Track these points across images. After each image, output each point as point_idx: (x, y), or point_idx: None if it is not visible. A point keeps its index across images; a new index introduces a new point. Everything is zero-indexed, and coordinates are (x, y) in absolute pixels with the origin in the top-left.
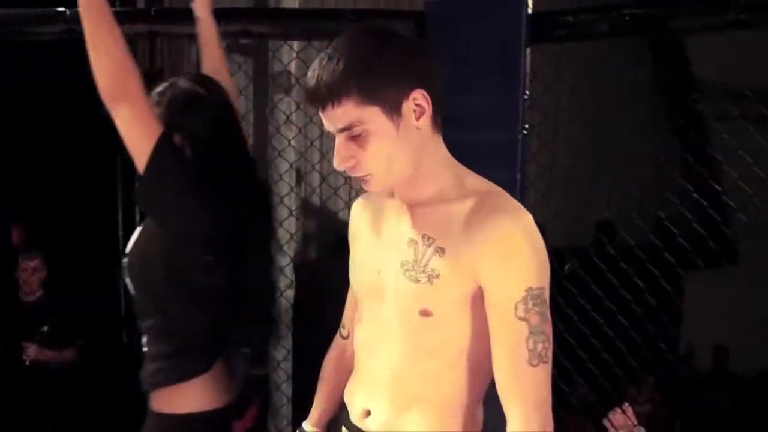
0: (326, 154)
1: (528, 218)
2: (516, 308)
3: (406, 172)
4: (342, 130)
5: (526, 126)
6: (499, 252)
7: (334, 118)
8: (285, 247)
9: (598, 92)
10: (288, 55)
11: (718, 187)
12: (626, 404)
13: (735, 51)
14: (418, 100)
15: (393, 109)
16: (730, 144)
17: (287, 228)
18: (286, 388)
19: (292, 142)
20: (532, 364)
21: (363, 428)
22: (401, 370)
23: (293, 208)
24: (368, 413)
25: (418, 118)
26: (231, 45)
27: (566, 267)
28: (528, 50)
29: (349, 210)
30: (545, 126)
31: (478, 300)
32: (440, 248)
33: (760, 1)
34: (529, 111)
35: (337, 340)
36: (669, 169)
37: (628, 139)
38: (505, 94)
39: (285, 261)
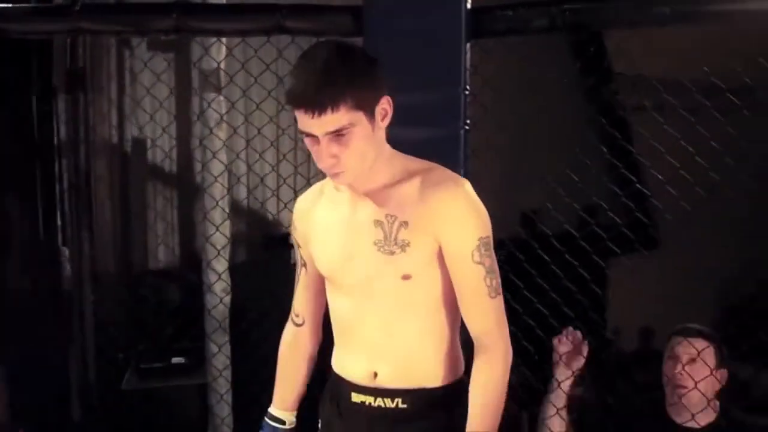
0: (263, 155)
1: (467, 183)
2: (472, 255)
3: (371, 164)
4: (331, 133)
5: (468, 122)
6: (451, 214)
7: (328, 122)
8: (222, 252)
9: (523, 86)
10: (217, 51)
11: (632, 177)
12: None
13: (652, 43)
14: (385, 105)
15: (371, 113)
16: (646, 134)
17: (223, 232)
18: (228, 397)
19: (219, 141)
20: (491, 297)
21: (373, 386)
22: (397, 328)
23: (228, 210)
24: (375, 374)
25: (383, 120)
26: (155, 41)
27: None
28: (468, 45)
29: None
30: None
31: (441, 256)
32: (404, 222)
33: None
34: (470, 107)
35: (290, 328)
36: (587, 160)
37: (557, 131)
38: (446, 90)
39: (222, 266)
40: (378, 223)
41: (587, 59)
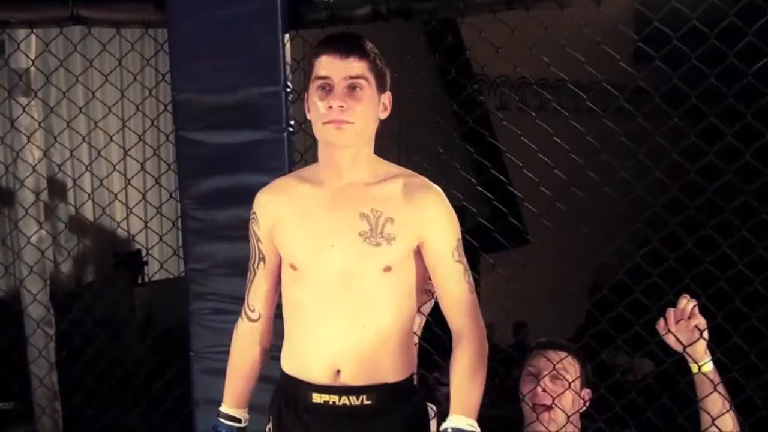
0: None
1: (441, 191)
2: (453, 254)
3: (365, 141)
4: (350, 78)
5: (292, 122)
6: (436, 216)
7: (351, 67)
8: (35, 270)
9: None
10: (27, 47)
11: (501, 176)
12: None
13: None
14: (387, 99)
15: (379, 92)
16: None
17: (38, 245)
18: None
19: (38, 151)
20: (471, 292)
21: (336, 385)
22: (368, 321)
23: (42, 220)
24: (338, 372)
25: (382, 111)
26: None
27: None
28: (287, 37)
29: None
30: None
31: (416, 252)
32: (390, 218)
33: None
34: (294, 106)
35: (245, 324)
36: (448, 157)
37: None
38: (264, 88)
39: (36, 287)
40: (363, 216)
41: (445, 59)
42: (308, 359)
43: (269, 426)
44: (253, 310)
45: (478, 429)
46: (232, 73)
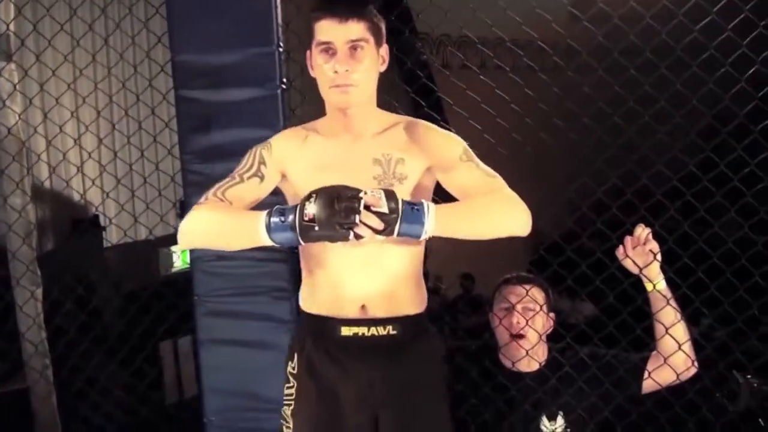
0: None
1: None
2: (461, 158)
3: (370, 96)
4: (351, 41)
5: (285, 80)
6: (438, 141)
7: (352, 30)
8: (27, 241)
9: None
10: (5, 12)
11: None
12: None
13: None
14: (385, 52)
15: (378, 48)
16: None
17: (27, 217)
18: (52, 399)
19: (21, 116)
20: (491, 176)
21: (364, 317)
22: (387, 258)
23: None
24: (363, 306)
25: (381, 64)
26: None
27: None
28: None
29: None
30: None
31: (426, 187)
32: (400, 159)
33: None
34: (286, 64)
35: (212, 202)
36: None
37: None
38: (259, 48)
39: (28, 255)
40: (376, 161)
41: (393, 17)
42: (333, 298)
43: (292, 364)
44: (225, 201)
45: (400, 207)
46: (228, 34)
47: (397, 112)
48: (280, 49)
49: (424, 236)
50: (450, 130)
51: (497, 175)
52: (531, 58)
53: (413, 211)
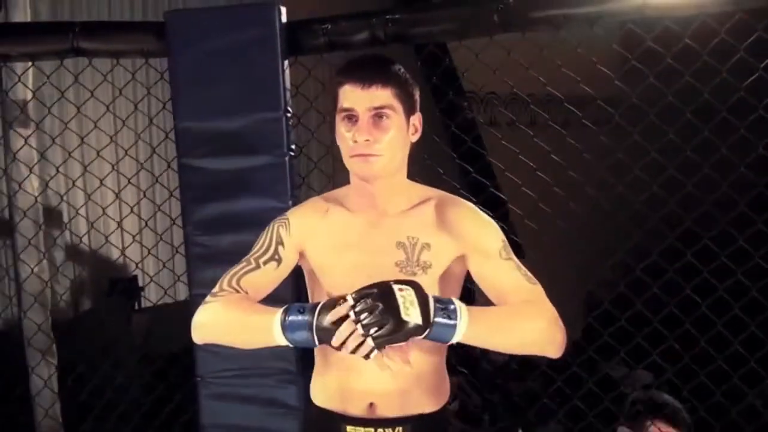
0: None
1: (472, 204)
2: (500, 254)
3: (397, 168)
4: (374, 109)
5: (293, 147)
6: (474, 225)
7: (375, 97)
8: (37, 300)
9: None
10: (24, 78)
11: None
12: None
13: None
14: (417, 120)
15: (407, 116)
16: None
17: (40, 275)
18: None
19: (36, 178)
20: (531, 283)
21: (371, 417)
22: (406, 352)
23: (44, 250)
24: (371, 405)
25: (413, 134)
26: None
27: None
28: (286, 63)
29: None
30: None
31: (454, 276)
32: (426, 244)
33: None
34: (295, 131)
35: (228, 295)
36: (448, 177)
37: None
38: (265, 114)
39: (39, 317)
40: (400, 244)
41: (437, 77)
42: (341, 392)
43: None
44: (240, 291)
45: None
46: (232, 100)
47: (443, 179)
48: (288, 114)
49: (452, 341)
50: (500, 195)
51: (537, 282)
52: (588, 115)
53: (444, 317)
